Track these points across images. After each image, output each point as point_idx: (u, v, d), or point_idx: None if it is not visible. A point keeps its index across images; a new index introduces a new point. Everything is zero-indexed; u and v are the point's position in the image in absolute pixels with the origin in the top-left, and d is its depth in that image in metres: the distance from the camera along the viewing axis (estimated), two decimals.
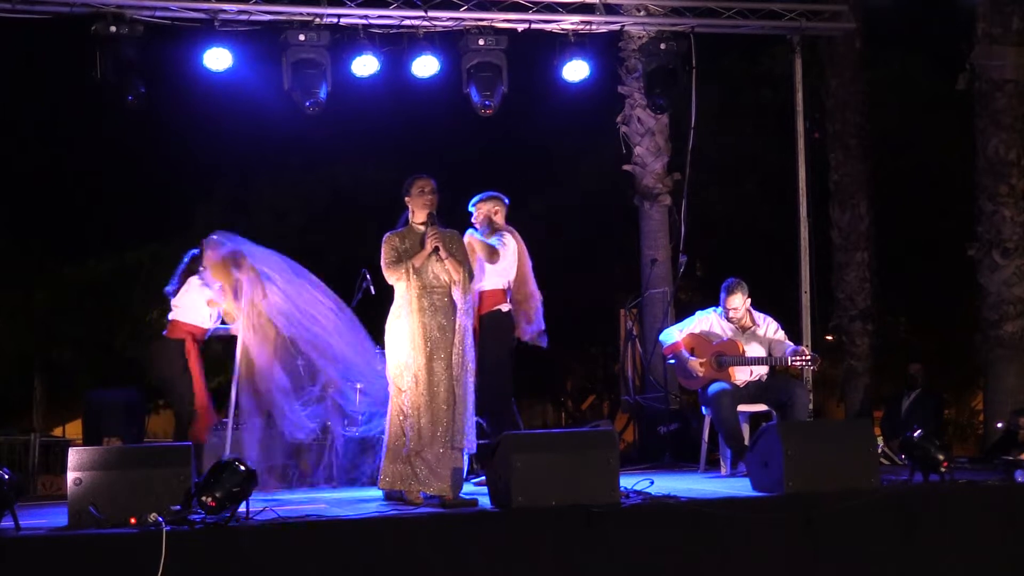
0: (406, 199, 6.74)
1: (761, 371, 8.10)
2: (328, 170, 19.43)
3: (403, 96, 10.87)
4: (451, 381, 6.49)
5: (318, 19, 8.61)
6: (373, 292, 8.24)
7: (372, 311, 7.86)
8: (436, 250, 6.53)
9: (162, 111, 13.35)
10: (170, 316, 7.64)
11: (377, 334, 6.88)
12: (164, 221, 19.97)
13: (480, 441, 7.34)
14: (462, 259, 6.65)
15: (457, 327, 6.55)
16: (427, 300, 6.55)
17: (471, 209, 7.74)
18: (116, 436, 8.07)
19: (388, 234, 6.72)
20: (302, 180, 19.58)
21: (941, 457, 6.59)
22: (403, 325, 6.56)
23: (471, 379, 6.56)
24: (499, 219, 7.68)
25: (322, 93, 8.64)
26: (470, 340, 6.60)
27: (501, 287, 7.59)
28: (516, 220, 7.80)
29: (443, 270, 6.59)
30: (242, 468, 5.57)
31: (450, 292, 6.61)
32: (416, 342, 6.51)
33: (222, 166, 19.84)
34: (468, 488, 6.82)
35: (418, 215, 6.70)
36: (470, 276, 6.70)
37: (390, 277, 6.65)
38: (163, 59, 8.81)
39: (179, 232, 20.27)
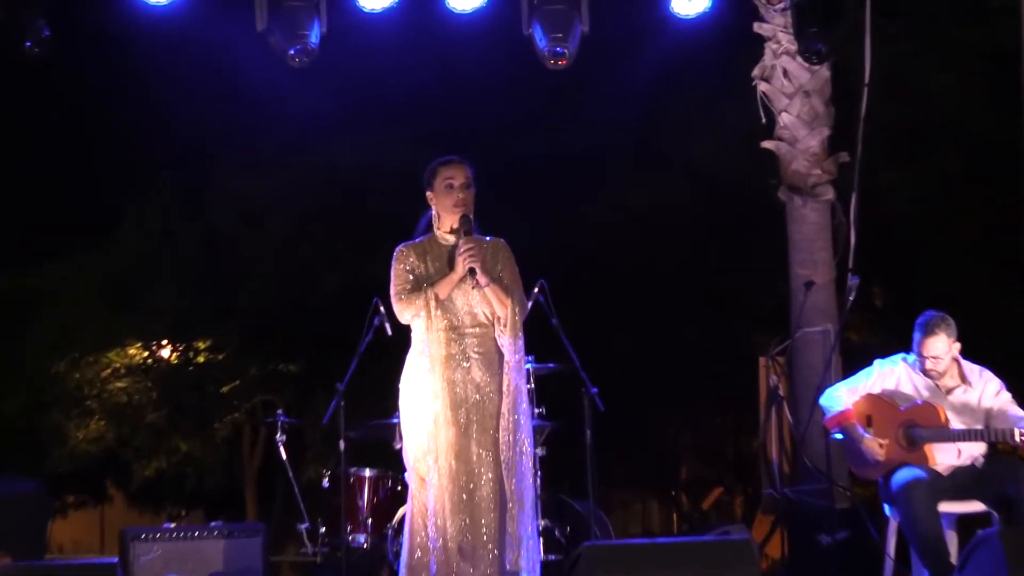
0: (428, 194, 6.77)
1: (975, 451, 8.04)
2: (323, 153, 19.50)
3: (432, 43, 10.92)
4: (497, 468, 6.49)
5: None
6: (390, 333, 8.19)
7: (388, 359, 7.81)
8: (472, 272, 6.49)
9: (75, 67, 13.45)
10: None
11: (392, 394, 6.86)
12: (82, 227, 20.07)
13: (550, 557, 7.29)
14: (511, 282, 6.61)
15: (505, 388, 6.57)
16: (458, 347, 6.56)
17: None
18: (3, 550, 8.14)
19: (401, 247, 6.76)
20: (284, 168, 19.64)
21: None
22: (424, 384, 6.61)
23: (528, 466, 6.52)
24: None
25: (313, 37, 8.73)
26: (525, 407, 6.61)
27: None
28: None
29: (482, 301, 6.57)
30: None
31: (492, 335, 6.60)
32: (443, 409, 6.52)
33: (167, 149, 19.95)
34: None
35: (445, 219, 6.73)
36: (521, 309, 6.62)
37: (403, 312, 6.68)
38: None
39: (98, 241, 20.37)
